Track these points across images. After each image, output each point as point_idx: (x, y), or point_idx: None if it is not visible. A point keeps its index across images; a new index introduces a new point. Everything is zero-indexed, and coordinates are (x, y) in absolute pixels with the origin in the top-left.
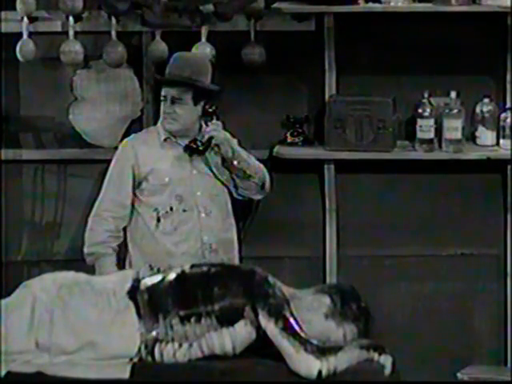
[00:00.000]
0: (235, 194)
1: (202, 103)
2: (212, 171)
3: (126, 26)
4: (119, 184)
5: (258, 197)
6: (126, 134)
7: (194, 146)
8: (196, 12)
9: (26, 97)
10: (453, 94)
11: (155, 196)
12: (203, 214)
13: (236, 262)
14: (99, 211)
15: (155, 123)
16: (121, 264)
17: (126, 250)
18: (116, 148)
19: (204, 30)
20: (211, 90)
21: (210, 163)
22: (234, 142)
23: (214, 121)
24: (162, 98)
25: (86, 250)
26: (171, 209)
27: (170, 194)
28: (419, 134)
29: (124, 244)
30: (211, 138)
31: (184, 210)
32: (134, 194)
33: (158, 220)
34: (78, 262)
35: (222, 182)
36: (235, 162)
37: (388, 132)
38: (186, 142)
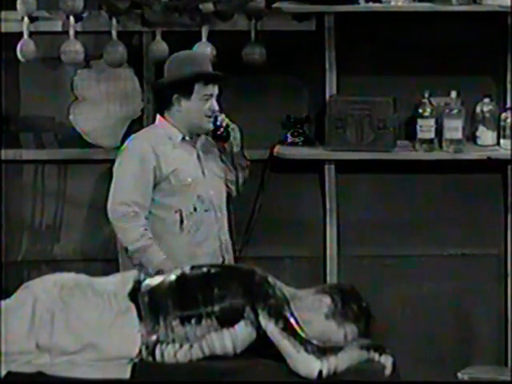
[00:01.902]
0: (236, 193)
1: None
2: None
3: (127, 25)
4: (143, 185)
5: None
6: (127, 134)
7: (221, 134)
8: (196, 11)
9: (26, 97)
10: (453, 94)
11: (176, 197)
12: (219, 214)
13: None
14: (126, 211)
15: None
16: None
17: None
18: (116, 148)
19: (204, 30)
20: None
21: (226, 157)
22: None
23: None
24: (205, 97)
25: (130, 248)
26: (195, 209)
27: (192, 194)
28: (419, 134)
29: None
30: (228, 125)
31: (205, 210)
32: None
33: (183, 220)
34: (78, 262)
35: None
36: (245, 154)
37: (388, 132)
38: (199, 140)
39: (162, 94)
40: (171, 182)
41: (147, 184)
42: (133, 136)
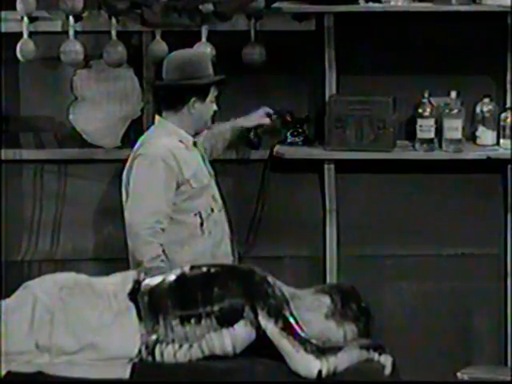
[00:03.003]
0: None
1: None
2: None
3: (126, 25)
4: (167, 194)
5: None
6: (126, 134)
7: (255, 140)
8: (196, 11)
9: (26, 97)
10: (453, 94)
11: (196, 200)
12: (226, 212)
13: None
14: (151, 223)
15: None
16: None
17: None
18: (117, 148)
19: (204, 30)
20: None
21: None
22: None
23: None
24: (212, 99)
25: (146, 264)
26: (212, 210)
27: (208, 195)
28: (419, 134)
29: None
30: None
31: (219, 210)
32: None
33: (203, 223)
34: (78, 262)
35: None
36: None
37: (388, 132)
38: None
39: (173, 96)
40: (192, 185)
41: (172, 192)
42: (146, 140)
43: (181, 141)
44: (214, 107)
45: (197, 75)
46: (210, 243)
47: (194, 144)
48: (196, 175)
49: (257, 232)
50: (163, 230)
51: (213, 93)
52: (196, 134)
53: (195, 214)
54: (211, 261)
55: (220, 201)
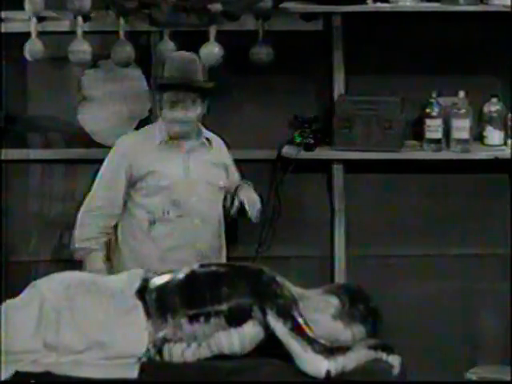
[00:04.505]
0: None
1: (203, 102)
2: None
3: (134, 25)
4: (113, 182)
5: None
6: None
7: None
8: (204, 11)
9: (33, 96)
10: (461, 94)
11: (151, 198)
12: (197, 221)
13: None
14: (91, 207)
15: None
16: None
17: (116, 247)
18: None
19: (212, 30)
20: (211, 88)
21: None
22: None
23: (246, 185)
24: (167, 103)
25: (76, 244)
26: (168, 213)
27: (166, 197)
28: (427, 134)
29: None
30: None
31: (179, 216)
32: (128, 194)
33: (153, 223)
34: None
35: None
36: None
37: (396, 132)
38: (187, 143)
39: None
40: (148, 181)
41: (119, 183)
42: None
43: (153, 138)
44: (170, 113)
45: (160, 77)
46: (160, 246)
47: (180, 144)
48: (155, 174)
49: (265, 232)
50: (112, 216)
51: (168, 97)
52: (186, 137)
53: (147, 212)
54: (160, 264)
55: (196, 208)
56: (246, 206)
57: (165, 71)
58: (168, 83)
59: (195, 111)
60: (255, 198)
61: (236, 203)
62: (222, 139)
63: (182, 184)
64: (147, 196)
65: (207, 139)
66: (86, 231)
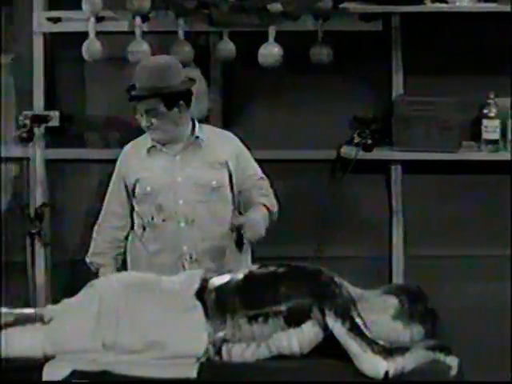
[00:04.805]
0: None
1: (177, 106)
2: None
3: (194, 25)
4: (115, 194)
5: None
6: None
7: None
8: (263, 11)
9: (92, 96)
10: None
11: (140, 205)
12: (183, 224)
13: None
14: (100, 221)
15: (224, 124)
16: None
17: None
18: None
19: (271, 30)
20: (182, 91)
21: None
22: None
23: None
24: (140, 113)
25: (87, 259)
26: (152, 218)
27: (151, 203)
28: (484, 135)
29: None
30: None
31: (163, 220)
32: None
33: (144, 229)
34: None
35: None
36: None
37: (454, 132)
38: (176, 148)
39: None
40: (136, 190)
41: (120, 193)
42: None
43: (150, 147)
44: (145, 122)
45: (132, 84)
46: (146, 251)
47: (171, 150)
48: (142, 181)
49: (322, 232)
50: (119, 228)
51: (141, 106)
52: (172, 142)
53: (140, 219)
54: (148, 269)
55: (183, 212)
56: (242, 230)
57: (135, 81)
58: (137, 95)
59: (172, 117)
60: (256, 221)
61: (234, 222)
62: (236, 135)
63: (166, 188)
64: (138, 203)
65: (198, 138)
66: (95, 245)
